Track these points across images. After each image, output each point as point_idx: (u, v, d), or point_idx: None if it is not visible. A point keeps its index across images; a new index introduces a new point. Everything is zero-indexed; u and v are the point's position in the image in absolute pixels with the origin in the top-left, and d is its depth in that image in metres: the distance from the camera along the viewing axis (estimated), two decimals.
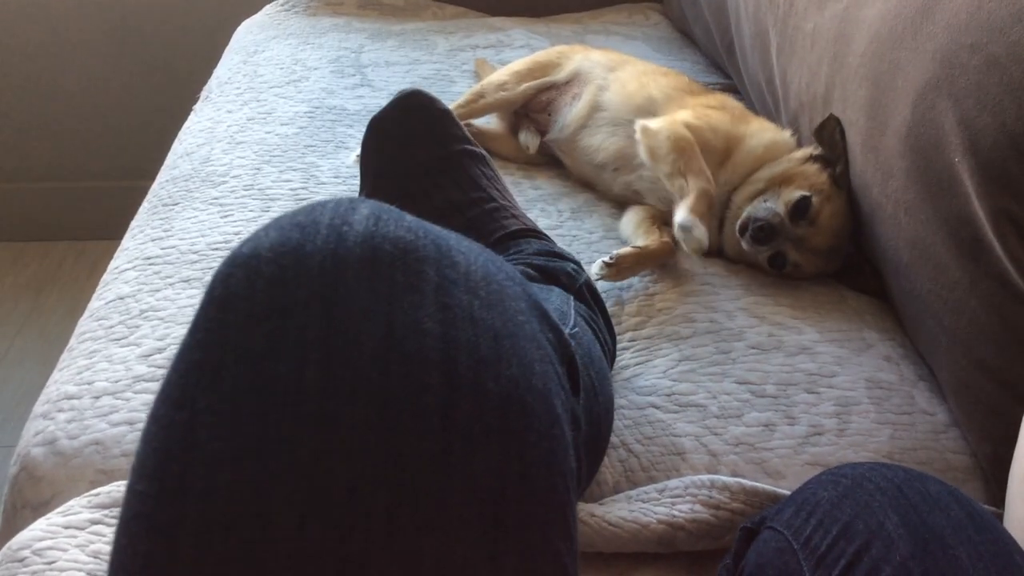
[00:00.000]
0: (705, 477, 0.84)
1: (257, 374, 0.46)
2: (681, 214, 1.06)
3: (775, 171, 1.13)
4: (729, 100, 1.29)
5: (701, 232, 1.04)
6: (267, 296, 0.47)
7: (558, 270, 0.90)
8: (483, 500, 0.47)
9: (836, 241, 1.10)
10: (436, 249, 0.51)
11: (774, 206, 1.09)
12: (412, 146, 0.98)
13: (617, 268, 1.06)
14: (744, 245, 1.10)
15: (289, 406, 0.45)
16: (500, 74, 1.43)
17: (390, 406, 0.46)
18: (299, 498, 0.44)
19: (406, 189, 0.97)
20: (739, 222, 1.10)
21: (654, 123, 1.17)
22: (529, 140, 1.37)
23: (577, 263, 0.95)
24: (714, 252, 1.16)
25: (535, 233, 0.99)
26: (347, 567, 0.44)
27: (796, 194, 1.08)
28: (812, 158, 1.12)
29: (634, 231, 1.16)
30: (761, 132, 1.19)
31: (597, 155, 1.27)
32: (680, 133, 1.14)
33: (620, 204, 1.26)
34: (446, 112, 1.01)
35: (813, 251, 1.10)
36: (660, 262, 1.12)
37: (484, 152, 1.03)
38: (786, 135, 1.21)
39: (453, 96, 1.56)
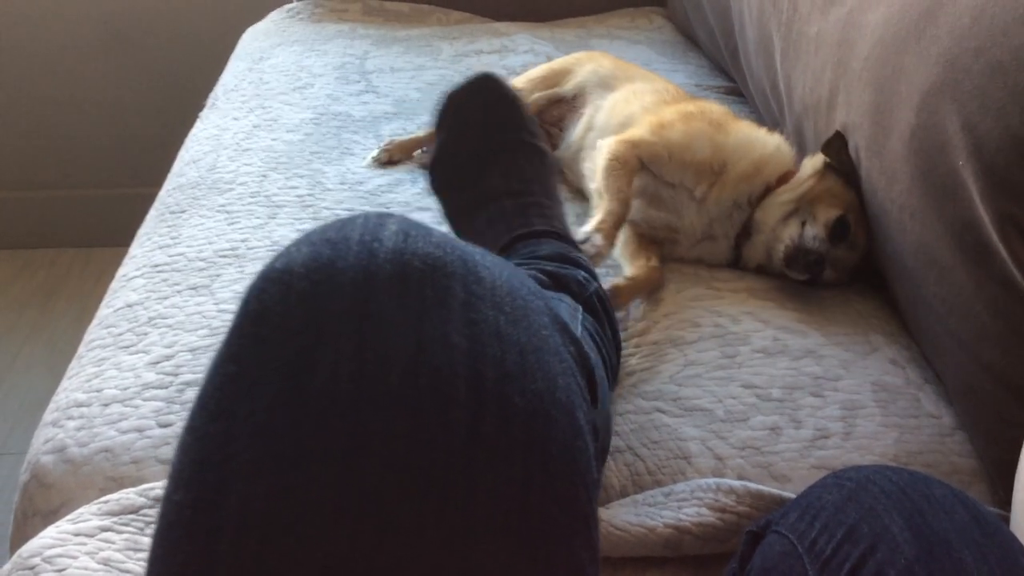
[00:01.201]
0: (711, 481, 0.84)
1: (291, 386, 0.47)
2: (586, 226, 1.06)
3: (801, 190, 1.11)
4: (709, 106, 1.25)
5: (597, 244, 1.03)
6: (301, 311, 0.49)
7: (569, 277, 0.90)
8: (508, 511, 0.48)
9: (864, 256, 1.10)
10: (463, 265, 0.52)
11: (818, 232, 1.07)
12: (474, 126, 1.02)
13: (613, 301, 1.05)
14: (789, 274, 1.09)
15: (322, 418, 0.46)
16: (516, 82, 1.43)
17: (419, 418, 0.47)
18: (332, 507, 0.45)
19: (460, 168, 1.02)
20: (784, 251, 1.08)
21: (607, 140, 1.17)
22: None
23: (589, 271, 0.95)
24: (725, 265, 1.16)
25: (558, 236, 1.00)
26: (377, 573, 0.45)
27: (833, 214, 1.07)
28: (826, 167, 1.12)
29: (621, 252, 1.15)
30: (749, 147, 1.16)
31: (586, 179, 1.26)
32: (619, 153, 1.13)
33: None
34: (515, 99, 1.04)
35: (846, 271, 1.10)
36: (652, 289, 1.10)
37: (544, 147, 1.05)
38: (775, 141, 1.18)
39: None
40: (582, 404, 0.56)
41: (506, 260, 0.58)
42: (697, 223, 1.15)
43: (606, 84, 1.35)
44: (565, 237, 1.00)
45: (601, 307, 0.92)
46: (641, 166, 1.15)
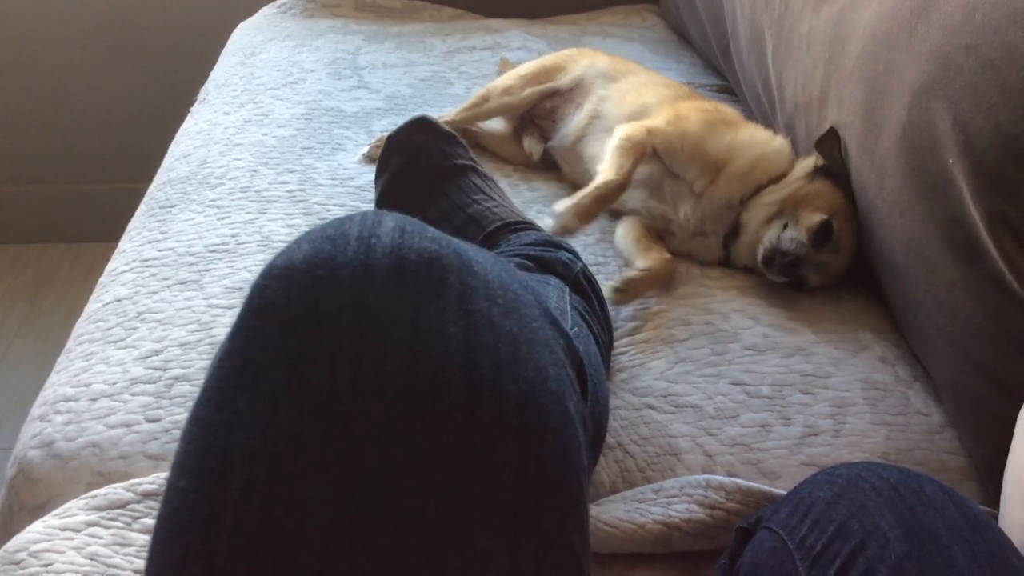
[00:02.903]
0: (701, 477, 0.84)
1: (292, 377, 0.49)
2: (565, 202, 1.09)
3: (787, 192, 1.12)
4: (723, 106, 1.27)
5: (562, 224, 1.07)
6: (301, 304, 0.51)
7: (553, 259, 0.91)
8: (503, 493, 0.50)
9: (854, 259, 1.10)
10: (458, 259, 0.54)
11: (797, 235, 1.07)
12: (420, 158, 1.07)
13: (628, 293, 1.06)
14: (769, 276, 1.10)
15: (322, 406, 0.48)
16: (507, 78, 1.43)
17: (416, 405, 0.49)
18: (332, 492, 0.47)
19: (412, 194, 1.05)
20: (762, 253, 1.08)
21: (624, 125, 1.19)
22: (533, 147, 1.38)
23: (572, 251, 0.96)
24: (716, 263, 1.16)
25: (532, 226, 1.02)
26: (376, 554, 0.47)
27: (817, 218, 1.07)
28: (816, 170, 1.12)
29: (633, 247, 1.15)
30: (750, 146, 1.17)
31: (593, 163, 1.25)
32: (633, 136, 1.15)
33: (614, 213, 1.23)
34: (450, 134, 1.11)
35: (834, 275, 1.10)
36: (665, 281, 1.11)
37: (482, 168, 1.11)
38: (777, 143, 1.19)
39: (450, 97, 1.56)
40: (572, 394, 0.58)
41: (496, 256, 0.59)
42: (692, 217, 1.16)
43: (608, 76, 1.36)
44: (536, 227, 1.03)
45: (588, 286, 0.93)
46: (652, 154, 1.15)
